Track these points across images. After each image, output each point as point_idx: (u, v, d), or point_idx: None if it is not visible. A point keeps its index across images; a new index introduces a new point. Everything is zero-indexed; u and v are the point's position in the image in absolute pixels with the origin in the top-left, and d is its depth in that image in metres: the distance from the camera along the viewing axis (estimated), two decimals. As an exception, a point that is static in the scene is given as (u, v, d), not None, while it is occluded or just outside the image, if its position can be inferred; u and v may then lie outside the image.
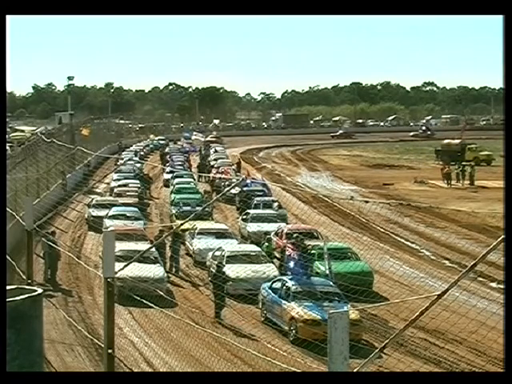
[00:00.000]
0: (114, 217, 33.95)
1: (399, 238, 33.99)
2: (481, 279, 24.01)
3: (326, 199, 41.26)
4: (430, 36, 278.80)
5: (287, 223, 34.07)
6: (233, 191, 38.35)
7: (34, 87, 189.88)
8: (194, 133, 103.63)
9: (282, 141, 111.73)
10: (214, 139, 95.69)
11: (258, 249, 27.72)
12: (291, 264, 23.71)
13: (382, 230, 35.01)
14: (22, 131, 76.95)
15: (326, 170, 66.76)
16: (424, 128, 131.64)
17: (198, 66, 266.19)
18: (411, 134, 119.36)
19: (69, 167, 42.67)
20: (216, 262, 24.60)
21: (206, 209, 32.18)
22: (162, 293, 20.08)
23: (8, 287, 4.02)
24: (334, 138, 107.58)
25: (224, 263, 24.39)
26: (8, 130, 74.06)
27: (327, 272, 23.34)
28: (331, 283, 22.34)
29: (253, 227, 33.26)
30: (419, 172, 63.65)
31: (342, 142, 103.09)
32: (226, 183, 42.19)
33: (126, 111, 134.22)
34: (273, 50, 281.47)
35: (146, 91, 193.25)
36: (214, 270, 24.34)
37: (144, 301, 12.04)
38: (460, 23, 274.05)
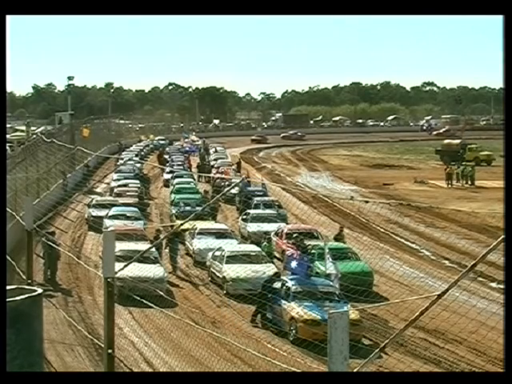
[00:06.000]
0: (114, 217, 33.93)
1: (399, 238, 33.99)
2: (481, 279, 24.02)
3: (326, 199, 41.27)
4: (430, 36, 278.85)
5: (287, 223, 34.08)
6: (233, 191, 38.37)
7: (33, 87, 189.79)
8: (194, 133, 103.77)
9: (282, 141, 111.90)
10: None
11: (258, 249, 27.70)
12: (291, 264, 23.69)
13: (382, 230, 35.01)
14: (23, 131, 76.82)
15: (326, 170, 66.77)
16: (424, 127, 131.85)
17: (198, 66, 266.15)
18: (281, 135, 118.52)
19: (69, 167, 42.64)
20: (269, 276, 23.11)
21: (208, 209, 32.13)
22: (161, 293, 20.09)
23: (8, 287, 4.01)
24: (253, 143, 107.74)
25: (283, 273, 23.54)
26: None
27: (327, 272, 23.31)
28: (331, 283, 22.33)
29: (253, 227, 33.26)
30: (419, 172, 63.69)
31: (261, 147, 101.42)
32: (226, 183, 42.17)
33: (125, 111, 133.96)
34: (273, 49, 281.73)
35: (146, 91, 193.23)
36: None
37: (144, 301, 12.04)
38: (460, 23, 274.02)
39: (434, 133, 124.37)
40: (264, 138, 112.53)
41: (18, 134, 75.71)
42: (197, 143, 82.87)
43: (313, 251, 25.10)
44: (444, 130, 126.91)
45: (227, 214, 40.45)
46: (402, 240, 33.82)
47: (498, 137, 46.75)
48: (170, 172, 49.86)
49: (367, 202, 20.52)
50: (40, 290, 4.01)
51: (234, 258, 26.00)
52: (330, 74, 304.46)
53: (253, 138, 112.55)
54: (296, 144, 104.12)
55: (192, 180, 48.81)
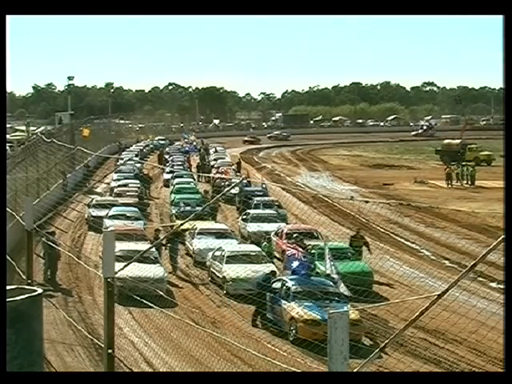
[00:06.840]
0: (114, 217, 33.92)
1: (399, 238, 33.99)
2: (481, 279, 24.02)
3: (326, 199, 41.26)
4: (429, 36, 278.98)
5: (287, 223, 34.07)
6: (233, 191, 38.35)
7: (34, 87, 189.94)
8: (194, 134, 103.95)
9: (282, 141, 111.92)
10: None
11: (258, 249, 27.69)
12: (292, 264, 23.69)
13: (382, 229, 35.00)
14: (23, 131, 76.85)
15: (326, 170, 66.77)
16: (425, 127, 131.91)
17: (198, 66, 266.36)
18: (267, 136, 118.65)
19: (69, 167, 42.64)
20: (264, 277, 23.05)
21: (208, 209, 32.12)
22: (161, 293, 20.08)
23: (8, 287, 4.01)
24: (245, 144, 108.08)
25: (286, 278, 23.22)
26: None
27: (328, 272, 23.31)
28: (331, 283, 22.33)
29: (253, 227, 33.25)
30: (419, 172, 63.68)
31: (261, 147, 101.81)
32: (226, 183, 42.15)
33: (126, 111, 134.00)
34: (273, 49, 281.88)
35: (146, 91, 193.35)
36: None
37: (144, 301, 12.04)
38: (460, 23, 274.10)
39: (413, 133, 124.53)
40: (256, 139, 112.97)
41: (18, 133, 75.77)
42: (194, 144, 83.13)
43: (313, 251, 25.11)
44: (423, 130, 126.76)
45: (227, 214, 40.44)
46: (402, 240, 33.82)
47: (498, 137, 46.71)
48: (170, 172, 49.88)
49: (367, 201, 20.45)
50: (40, 290, 4.01)
51: (233, 258, 26.00)
52: (330, 73, 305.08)
53: (245, 139, 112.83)
54: (295, 144, 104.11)
55: (192, 180, 48.81)
